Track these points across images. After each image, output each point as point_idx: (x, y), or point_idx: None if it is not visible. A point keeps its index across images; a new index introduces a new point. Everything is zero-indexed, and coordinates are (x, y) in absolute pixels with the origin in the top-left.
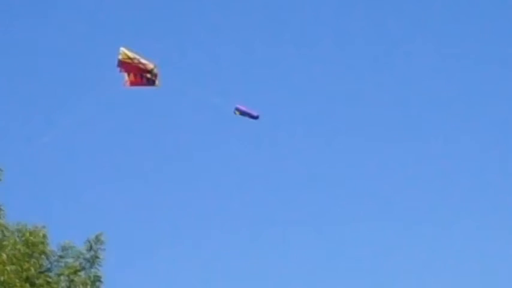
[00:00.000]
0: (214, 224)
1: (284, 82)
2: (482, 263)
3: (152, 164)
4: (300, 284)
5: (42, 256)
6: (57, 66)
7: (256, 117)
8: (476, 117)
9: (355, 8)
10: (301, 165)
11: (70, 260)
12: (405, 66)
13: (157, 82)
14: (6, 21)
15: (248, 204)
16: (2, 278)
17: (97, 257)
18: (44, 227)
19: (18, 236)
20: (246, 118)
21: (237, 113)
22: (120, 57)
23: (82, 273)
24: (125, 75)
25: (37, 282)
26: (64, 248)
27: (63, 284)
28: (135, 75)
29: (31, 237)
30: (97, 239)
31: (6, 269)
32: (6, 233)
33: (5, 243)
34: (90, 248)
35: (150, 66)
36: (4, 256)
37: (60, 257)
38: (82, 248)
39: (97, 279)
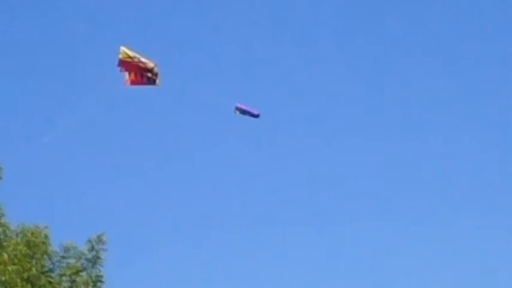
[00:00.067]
0: (214, 224)
1: (284, 82)
2: (482, 263)
3: (152, 163)
4: (300, 284)
5: (45, 256)
6: (57, 66)
7: (256, 116)
8: (476, 117)
9: (355, 8)
10: (301, 165)
11: (72, 261)
12: (405, 66)
13: (157, 81)
14: (6, 21)
15: (248, 204)
16: (3, 278)
17: (98, 257)
18: (46, 227)
19: (19, 237)
20: (247, 117)
21: (237, 112)
22: (120, 56)
23: (84, 274)
24: (126, 74)
25: (39, 282)
26: (66, 249)
27: (65, 284)
28: (135, 75)
29: (33, 238)
30: (98, 239)
31: (7, 269)
32: (8, 233)
33: (5, 243)
34: (92, 248)
35: (151, 65)
36: (5, 256)
37: (63, 257)
38: (84, 248)
39: (99, 279)
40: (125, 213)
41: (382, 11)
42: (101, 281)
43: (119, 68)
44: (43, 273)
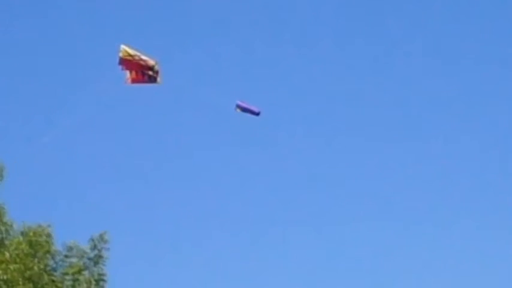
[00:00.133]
0: (214, 223)
1: (284, 82)
2: (482, 263)
3: (153, 162)
4: (300, 284)
5: (47, 255)
6: (57, 66)
7: (257, 114)
8: (476, 117)
9: (355, 8)
10: (301, 165)
11: (74, 259)
12: (405, 66)
13: (158, 79)
14: (6, 21)
15: (248, 204)
16: (5, 277)
17: (101, 256)
18: (48, 226)
19: (22, 236)
20: (247, 115)
21: (238, 109)
22: (121, 54)
23: (86, 272)
24: (127, 72)
25: (41, 281)
26: (69, 248)
27: (67, 283)
28: (136, 73)
29: (35, 237)
30: (101, 238)
31: (9, 268)
32: (11, 232)
33: (7, 242)
34: (94, 247)
35: (151, 62)
36: (7, 255)
37: (65, 256)
38: (86, 247)
39: (101, 278)
40: (126, 212)
41: (382, 11)
42: (103, 280)
43: (119, 67)
44: (45, 272)
